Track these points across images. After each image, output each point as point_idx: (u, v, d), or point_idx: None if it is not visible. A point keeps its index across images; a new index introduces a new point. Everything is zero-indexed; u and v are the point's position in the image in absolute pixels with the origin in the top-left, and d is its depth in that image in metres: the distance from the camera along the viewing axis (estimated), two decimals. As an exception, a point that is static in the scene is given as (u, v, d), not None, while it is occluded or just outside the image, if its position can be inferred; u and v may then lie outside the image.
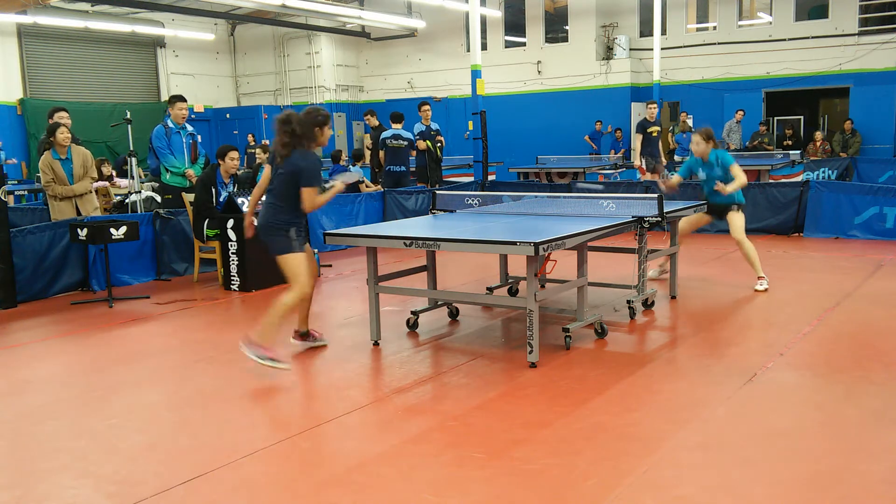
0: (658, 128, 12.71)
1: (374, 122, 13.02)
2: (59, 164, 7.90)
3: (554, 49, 20.83)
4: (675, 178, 7.42)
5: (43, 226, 7.72)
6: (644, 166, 12.57)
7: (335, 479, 3.46)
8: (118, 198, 10.70)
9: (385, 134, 11.78)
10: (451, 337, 5.88)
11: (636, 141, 12.60)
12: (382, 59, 23.36)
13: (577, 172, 15.37)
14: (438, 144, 12.04)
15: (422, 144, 11.81)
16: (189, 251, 8.59)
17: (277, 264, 5.11)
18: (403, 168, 11.75)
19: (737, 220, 7.17)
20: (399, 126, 11.68)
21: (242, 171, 11.08)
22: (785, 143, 17.46)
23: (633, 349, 5.48)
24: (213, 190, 7.98)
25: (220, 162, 8.05)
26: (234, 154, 8.11)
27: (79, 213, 8.06)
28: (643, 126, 12.50)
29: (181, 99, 8.87)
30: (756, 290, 7.02)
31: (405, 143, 11.66)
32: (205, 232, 8.00)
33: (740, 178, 7.02)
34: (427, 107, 11.98)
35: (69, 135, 7.98)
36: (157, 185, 9.63)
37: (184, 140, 8.80)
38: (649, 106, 12.72)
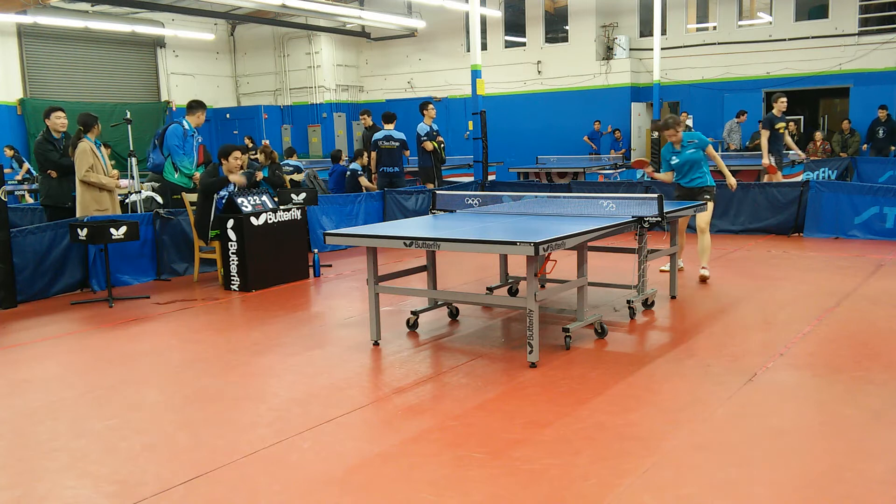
0: (785, 124, 11.25)
1: (369, 121, 12.94)
2: (99, 153, 8.06)
3: (554, 49, 20.83)
4: (666, 176, 7.57)
5: (43, 226, 7.73)
6: (774, 165, 11.01)
7: (335, 479, 3.46)
8: (118, 198, 10.68)
9: (377, 135, 11.63)
10: (451, 337, 5.88)
11: (763, 138, 11.07)
12: (382, 59, 23.36)
13: (576, 172, 15.37)
14: (441, 145, 11.98)
15: (428, 145, 11.62)
16: (189, 251, 8.60)
17: None
18: (397, 169, 11.61)
19: (706, 211, 7.34)
20: (391, 126, 11.56)
21: (242, 173, 11.06)
22: (794, 137, 17.40)
23: (633, 349, 5.48)
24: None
25: (223, 161, 8.03)
26: (238, 154, 8.10)
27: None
28: (771, 122, 11.07)
29: (204, 107, 9.09)
30: (701, 275, 7.30)
31: (397, 143, 11.54)
32: (209, 233, 7.96)
33: (718, 159, 7.42)
34: (431, 106, 11.80)
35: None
36: (158, 184, 9.64)
37: (194, 144, 8.93)
38: (780, 101, 11.05)
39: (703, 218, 7.37)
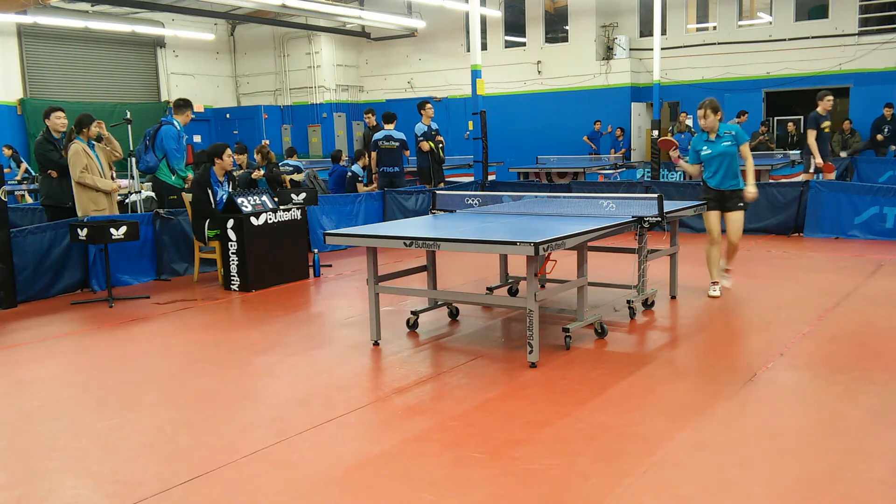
0: (829, 122, 10.74)
1: (373, 121, 12.92)
2: (93, 154, 7.98)
3: (554, 49, 20.82)
4: (693, 169, 6.90)
5: (43, 226, 7.73)
6: (830, 163, 10.64)
7: (335, 479, 3.46)
8: (118, 198, 10.69)
9: (377, 135, 11.63)
10: (451, 337, 5.88)
11: (811, 137, 10.50)
12: (382, 59, 23.35)
13: (576, 172, 15.37)
14: (440, 145, 11.96)
15: (425, 146, 11.61)
16: (189, 251, 8.60)
17: None
18: (397, 169, 11.60)
19: (740, 219, 6.74)
20: (391, 126, 11.55)
21: (241, 172, 11.09)
22: (793, 137, 17.44)
23: (633, 349, 5.48)
24: (210, 190, 7.98)
25: (217, 161, 8.05)
26: (230, 151, 8.14)
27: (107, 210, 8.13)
28: (817, 121, 10.51)
29: (191, 105, 9.06)
30: (718, 291, 6.83)
31: (397, 143, 11.52)
32: (206, 233, 8.00)
33: (750, 161, 6.66)
34: (429, 106, 11.79)
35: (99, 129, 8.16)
36: (152, 184, 9.65)
37: (184, 144, 8.92)
38: (827, 99, 10.39)
39: (737, 233, 6.74)
